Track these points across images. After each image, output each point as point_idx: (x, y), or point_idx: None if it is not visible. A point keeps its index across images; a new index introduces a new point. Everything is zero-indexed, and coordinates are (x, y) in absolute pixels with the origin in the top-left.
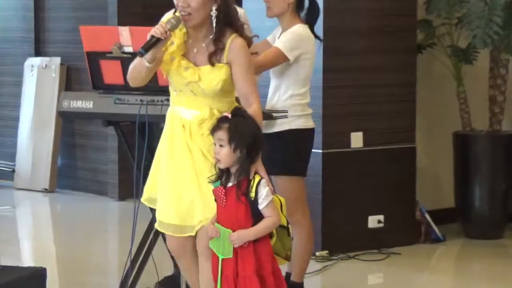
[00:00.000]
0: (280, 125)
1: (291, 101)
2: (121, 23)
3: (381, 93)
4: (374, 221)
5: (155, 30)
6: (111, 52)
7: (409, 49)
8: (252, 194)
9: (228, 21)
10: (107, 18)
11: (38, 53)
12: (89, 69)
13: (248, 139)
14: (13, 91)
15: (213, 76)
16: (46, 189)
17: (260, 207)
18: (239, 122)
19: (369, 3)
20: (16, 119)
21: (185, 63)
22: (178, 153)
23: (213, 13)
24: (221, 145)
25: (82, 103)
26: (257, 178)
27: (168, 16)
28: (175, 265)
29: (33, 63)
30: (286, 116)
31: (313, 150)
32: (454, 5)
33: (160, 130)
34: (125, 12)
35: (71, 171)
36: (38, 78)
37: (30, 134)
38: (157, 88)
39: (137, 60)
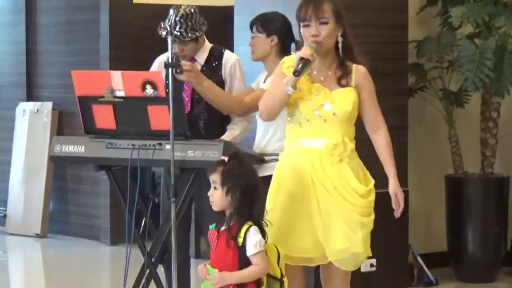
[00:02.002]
0: (272, 168)
1: (281, 144)
2: (113, 67)
3: None
4: (366, 265)
5: (305, 52)
6: (103, 97)
7: (401, 93)
8: (240, 240)
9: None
10: (99, 62)
11: (30, 97)
12: (81, 113)
13: (241, 184)
14: (5, 135)
15: (344, 98)
16: (38, 234)
17: (248, 254)
18: (233, 166)
19: (360, 46)
20: (8, 163)
21: (316, 87)
22: (305, 188)
23: (339, 39)
24: (215, 187)
25: (74, 148)
26: (246, 225)
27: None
28: None
29: (25, 107)
30: (277, 160)
31: None
32: (445, 49)
33: (151, 174)
34: (117, 56)
35: (63, 216)
36: (30, 122)
37: (22, 178)
38: (148, 133)
39: (273, 89)
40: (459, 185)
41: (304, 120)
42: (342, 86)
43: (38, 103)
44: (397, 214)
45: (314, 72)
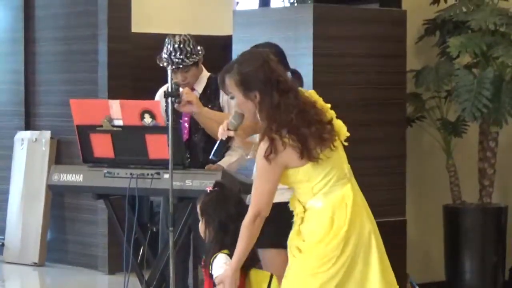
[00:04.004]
0: None
1: None
2: (111, 96)
3: (371, 166)
4: None
5: (218, 134)
6: (101, 126)
7: (399, 122)
8: (210, 267)
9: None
10: (97, 91)
11: (28, 126)
12: (79, 142)
13: (220, 215)
14: (3, 164)
15: None
16: (35, 263)
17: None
18: (212, 197)
19: (358, 76)
20: (6, 192)
21: None
22: None
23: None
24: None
25: (72, 177)
26: (219, 253)
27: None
28: None
29: (23, 136)
30: None
31: None
32: (443, 79)
33: (150, 203)
34: (115, 85)
35: (61, 245)
36: (28, 151)
37: (20, 207)
38: (146, 162)
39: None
40: (457, 214)
41: None
42: None
43: (36, 132)
44: None
45: None
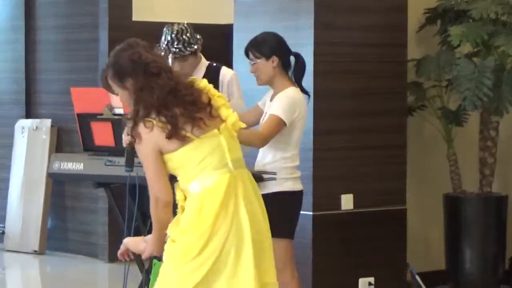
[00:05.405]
0: (269, 187)
1: (280, 164)
2: None
3: (372, 155)
4: (364, 283)
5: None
6: (102, 114)
7: (400, 111)
8: None
9: None
10: (98, 80)
11: (28, 115)
12: (79, 130)
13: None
14: (4, 153)
15: None
16: (36, 251)
17: None
18: None
19: (359, 66)
20: (7, 180)
21: None
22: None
23: None
24: None
25: (73, 165)
26: None
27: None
28: None
29: (24, 125)
30: (274, 178)
31: (303, 212)
32: (444, 68)
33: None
34: None
35: (61, 233)
36: (28, 140)
37: (20, 196)
38: None
39: None
40: (458, 204)
41: None
42: None
43: (37, 120)
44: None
45: None
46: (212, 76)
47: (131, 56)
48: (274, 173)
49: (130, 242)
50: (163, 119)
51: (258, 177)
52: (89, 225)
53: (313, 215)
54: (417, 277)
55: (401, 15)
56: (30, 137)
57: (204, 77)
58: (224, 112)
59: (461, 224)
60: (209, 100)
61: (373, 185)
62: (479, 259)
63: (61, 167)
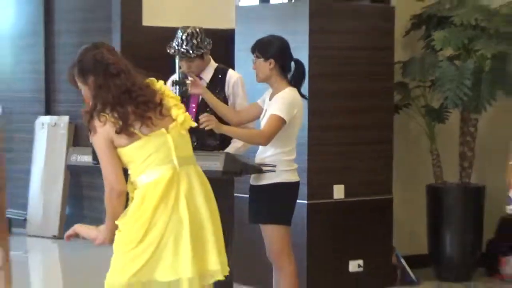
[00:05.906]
0: (268, 179)
1: (278, 157)
2: None
3: (361, 150)
4: (354, 265)
5: None
6: None
7: (387, 109)
8: None
9: None
10: None
11: (48, 112)
12: None
13: None
14: (26, 146)
15: None
16: (55, 236)
17: None
18: None
19: (350, 68)
20: (28, 172)
21: None
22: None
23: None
24: None
25: (89, 158)
26: None
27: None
28: None
29: (44, 121)
30: (274, 170)
31: (298, 201)
32: (428, 69)
33: None
34: None
35: (78, 220)
36: (48, 135)
37: (41, 185)
38: None
39: None
40: (439, 193)
41: None
42: None
43: (56, 117)
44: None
45: None
46: (219, 77)
47: (95, 55)
48: (274, 166)
49: (82, 229)
50: (115, 115)
51: (258, 169)
52: (104, 213)
53: (307, 203)
54: (402, 260)
55: (389, 21)
56: (49, 132)
57: (212, 78)
58: (175, 112)
59: (443, 212)
60: (161, 100)
61: (362, 176)
62: (459, 244)
63: (78, 160)
